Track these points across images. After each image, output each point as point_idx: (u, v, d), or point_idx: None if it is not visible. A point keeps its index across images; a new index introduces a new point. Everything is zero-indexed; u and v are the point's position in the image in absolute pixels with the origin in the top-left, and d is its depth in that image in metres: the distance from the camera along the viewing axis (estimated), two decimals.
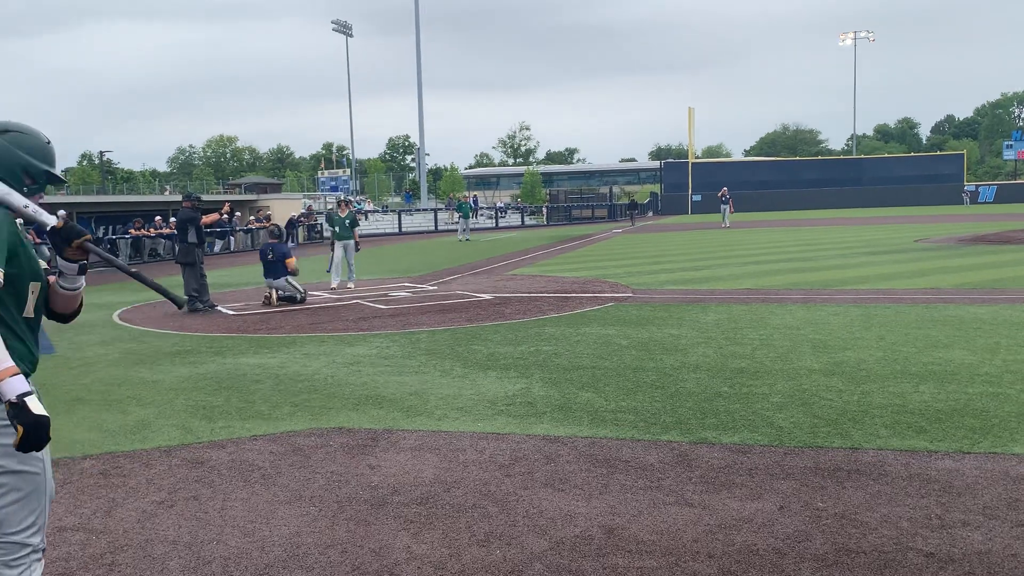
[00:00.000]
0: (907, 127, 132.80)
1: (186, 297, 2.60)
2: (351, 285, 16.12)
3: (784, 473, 4.77)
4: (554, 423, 5.96)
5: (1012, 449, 5.02)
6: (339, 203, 17.53)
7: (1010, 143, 77.12)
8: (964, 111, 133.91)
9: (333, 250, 16.41)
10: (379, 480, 4.89)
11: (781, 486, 4.56)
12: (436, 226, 50.00)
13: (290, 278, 13.87)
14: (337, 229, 16.50)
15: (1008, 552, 3.67)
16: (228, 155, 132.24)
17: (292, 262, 13.95)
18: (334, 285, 15.97)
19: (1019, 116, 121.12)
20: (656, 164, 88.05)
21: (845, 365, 7.45)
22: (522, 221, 56.85)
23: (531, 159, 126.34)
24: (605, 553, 3.78)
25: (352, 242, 16.34)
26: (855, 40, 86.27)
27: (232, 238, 34.09)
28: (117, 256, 28.16)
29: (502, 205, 65.03)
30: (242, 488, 4.84)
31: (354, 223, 16.80)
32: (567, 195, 70.80)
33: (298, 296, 13.81)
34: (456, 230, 39.51)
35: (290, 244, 36.42)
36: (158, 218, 30.59)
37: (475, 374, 7.66)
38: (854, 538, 3.87)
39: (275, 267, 13.94)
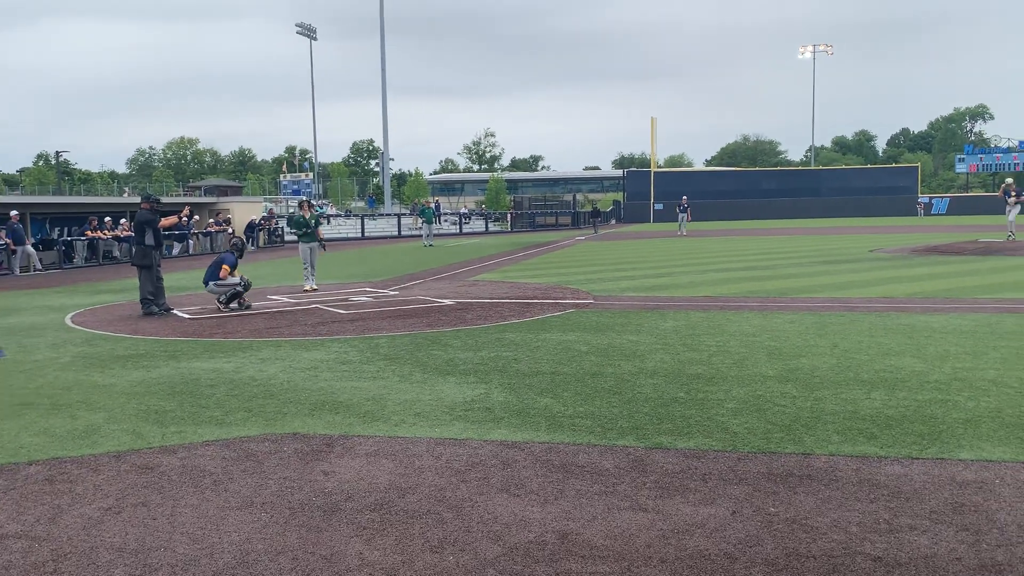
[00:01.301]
0: (864, 139, 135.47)
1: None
2: (308, 287, 16.05)
3: (737, 478, 4.81)
4: (512, 428, 5.95)
5: (958, 455, 5.12)
6: (301, 204, 17.31)
7: (962, 157, 79.12)
8: (919, 125, 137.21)
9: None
10: (333, 486, 4.84)
11: (734, 491, 4.60)
12: (399, 231, 49.84)
13: (219, 280, 13.37)
14: (303, 231, 16.40)
15: (953, 556, 3.74)
16: (189, 157, 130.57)
17: (226, 270, 13.39)
18: (307, 288, 16.02)
19: (971, 131, 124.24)
20: (619, 172, 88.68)
21: (799, 372, 7.55)
22: (486, 227, 56.85)
23: (496, 165, 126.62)
24: (558, 558, 3.78)
25: (317, 243, 16.34)
26: (814, 53, 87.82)
27: (190, 241, 33.61)
28: (74, 258, 27.65)
29: (466, 211, 64.99)
30: (192, 494, 4.76)
31: (318, 223, 16.74)
32: (531, 202, 70.97)
33: (239, 287, 13.34)
34: (421, 235, 39.40)
35: (250, 248, 36.12)
36: (108, 219, 30.02)
37: (434, 380, 7.62)
38: (804, 543, 3.91)
39: (209, 271, 13.58)
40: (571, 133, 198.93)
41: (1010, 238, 25.91)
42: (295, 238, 17.14)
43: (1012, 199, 27.15)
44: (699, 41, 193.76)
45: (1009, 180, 29.81)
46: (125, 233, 28.96)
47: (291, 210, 56.67)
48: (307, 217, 16.57)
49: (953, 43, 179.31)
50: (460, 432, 5.89)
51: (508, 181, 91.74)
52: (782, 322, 10.58)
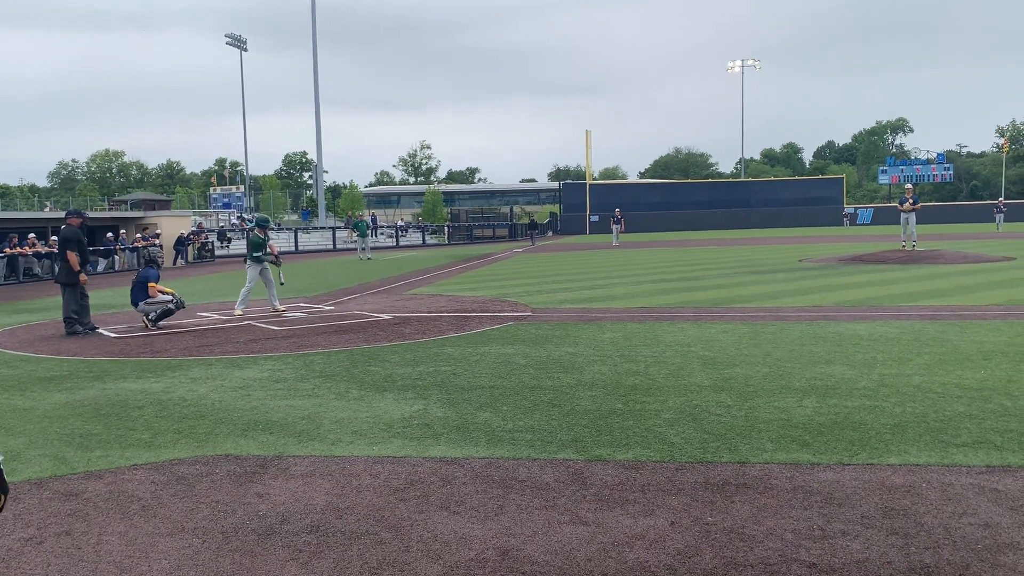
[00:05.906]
0: (791, 152, 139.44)
1: None
2: (280, 307, 14.95)
3: (675, 488, 4.85)
4: (451, 444, 5.90)
5: (887, 460, 5.26)
6: (260, 227, 15.82)
7: (884, 168, 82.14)
8: (843, 138, 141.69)
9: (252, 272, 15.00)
10: (267, 508, 4.71)
11: (672, 502, 4.64)
12: (334, 244, 49.26)
13: (150, 299, 12.91)
14: (260, 253, 15.00)
15: (884, 560, 3.83)
16: (114, 170, 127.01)
17: (154, 287, 12.94)
18: (239, 312, 14.59)
19: (892, 143, 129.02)
20: (555, 185, 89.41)
21: (733, 381, 7.67)
22: (423, 240, 56.66)
23: (432, 178, 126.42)
24: None
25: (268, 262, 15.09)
26: (743, 68, 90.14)
27: (116, 257, 32.62)
28: None
29: (403, 224, 64.62)
30: (119, 521, 4.58)
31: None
32: (468, 214, 71.07)
33: (170, 305, 12.92)
34: (356, 249, 39.00)
35: (179, 262, 35.24)
36: (31, 236, 28.93)
37: (371, 396, 7.52)
38: (741, 551, 3.96)
39: (135, 292, 13.07)
40: (507, 146, 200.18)
41: (903, 247, 25.31)
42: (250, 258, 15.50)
43: (907, 205, 25.84)
44: (631, 55, 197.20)
45: (908, 186, 28.49)
46: (46, 250, 27.94)
47: (222, 224, 55.56)
48: (263, 238, 15.30)
49: (875, 58, 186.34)
50: (398, 449, 5.82)
51: (445, 194, 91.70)
52: (716, 332, 10.76)
